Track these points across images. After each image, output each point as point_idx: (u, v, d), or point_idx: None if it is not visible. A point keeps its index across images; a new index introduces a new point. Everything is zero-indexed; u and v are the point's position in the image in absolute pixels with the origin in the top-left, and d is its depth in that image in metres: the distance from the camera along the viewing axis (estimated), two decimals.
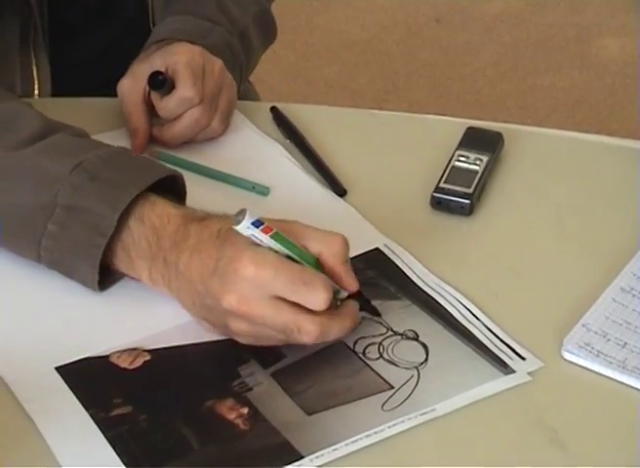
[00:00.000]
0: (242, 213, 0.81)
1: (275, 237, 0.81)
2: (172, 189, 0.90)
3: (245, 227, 0.80)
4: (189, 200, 0.92)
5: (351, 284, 0.84)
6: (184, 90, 1.00)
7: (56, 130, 0.91)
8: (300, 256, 0.82)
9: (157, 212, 0.86)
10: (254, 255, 0.80)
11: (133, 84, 1.03)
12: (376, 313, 0.87)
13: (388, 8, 2.45)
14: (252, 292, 0.80)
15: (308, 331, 0.80)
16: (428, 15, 2.43)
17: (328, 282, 0.81)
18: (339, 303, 0.84)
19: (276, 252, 0.81)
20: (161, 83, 1.00)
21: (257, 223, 0.81)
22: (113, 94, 1.04)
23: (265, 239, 0.81)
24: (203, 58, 1.02)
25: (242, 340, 0.83)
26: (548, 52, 2.33)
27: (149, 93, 1.02)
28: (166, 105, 1.01)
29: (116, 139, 1.00)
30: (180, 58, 1.01)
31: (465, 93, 2.25)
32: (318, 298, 0.79)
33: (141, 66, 1.03)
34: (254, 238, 0.81)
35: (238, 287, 0.80)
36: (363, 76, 2.29)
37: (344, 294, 0.84)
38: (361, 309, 0.85)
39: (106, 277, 0.88)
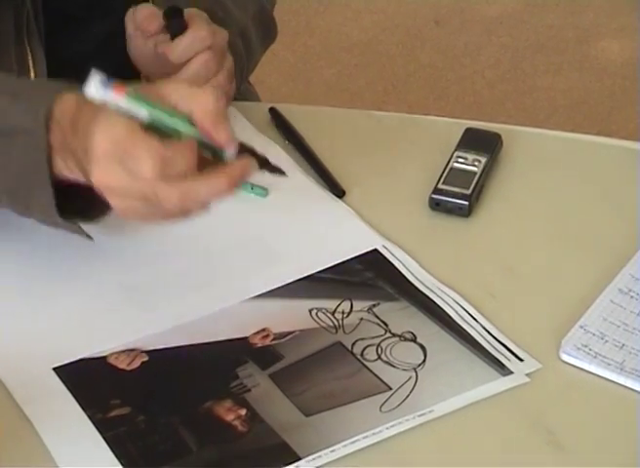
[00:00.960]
0: (92, 74, 0.78)
1: (132, 97, 0.78)
2: None
3: (94, 89, 0.78)
4: None
5: (222, 138, 0.80)
6: (198, 29, 0.98)
7: None
8: (168, 114, 0.79)
9: (62, 104, 0.83)
10: (102, 123, 0.79)
11: (139, 38, 1.01)
12: (276, 170, 0.85)
13: (388, 10, 2.45)
14: (104, 162, 0.79)
15: (167, 197, 0.78)
16: (428, 16, 2.43)
17: (155, 148, 0.78)
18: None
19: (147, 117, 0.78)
20: (177, 12, 0.97)
21: (105, 83, 0.77)
22: None
23: (122, 101, 0.78)
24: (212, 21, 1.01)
25: (125, 217, 0.83)
26: (548, 53, 2.33)
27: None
28: (177, 45, 0.98)
29: None
30: (191, 10, 1.00)
31: (465, 94, 2.25)
32: (143, 167, 0.78)
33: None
34: (111, 105, 0.78)
35: (96, 159, 0.79)
36: (362, 78, 2.29)
37: (230, 154, 0.80)
38: (261, 167, 0.82)
39: (66, 207, 0.85)
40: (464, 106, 2.21)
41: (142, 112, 0.78)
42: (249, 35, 1.12)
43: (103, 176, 0.79)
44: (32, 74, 1.10)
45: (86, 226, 0.89)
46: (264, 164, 0.83)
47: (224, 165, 0.80)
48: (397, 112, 1.14)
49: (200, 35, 0.99)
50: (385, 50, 2.35)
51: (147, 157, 0.78)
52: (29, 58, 1.09)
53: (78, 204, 0.86)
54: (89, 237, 0.87)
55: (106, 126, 0.79)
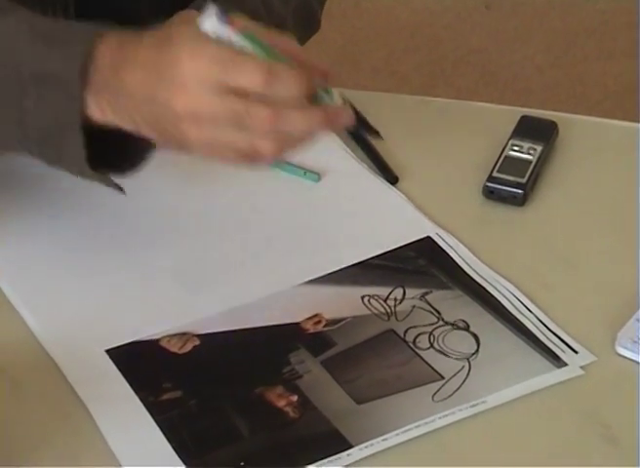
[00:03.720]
0: (209, 7, 0.76)
1: (248, 34, 0.77)
2: None
3: (211, 22, 0.76)
4: (238, 185, 0.92)
5: (323, 65, 0.78)
6: None
7: (10, 9, 0.86)
8: (274, 57, 0.77)
9: (98, 45, 0.81)
10: (190, 47, 0.76)
11: None
12: (373, 131, 0.82)
13: None
14: (196, 85, 0.76)
15: (258, 114, 0.75)
16: (478, 0, 2.41)
17: (262, 63, 0.75)
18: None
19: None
20: None
21: (223, 17, 0.76)
22: None
23: (237, 37, 0.77)
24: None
25: (200, 151, 0.79)
26: (599, 39, 2.30)
27: None
28: None
29: None
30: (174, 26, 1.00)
31: (514, 80, 2.23)
32: (249, 77, 0.75)
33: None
34: (221, 36, 0.77)
35: (183, 84, 0.77)
36: (411, 61, 2.28)
37: (337, 100, 0.77)
38: (358, 130, 0.81)
39: (98, 158, 0.83)
40: (514, 92, 2.19)
41: (257, 51, 0.77)
42: (286, 29, 1.11)
43: (191, 100, 0.76)
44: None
45: (141, 211, 0.88)
46: (363, 121, 0.81)
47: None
48: (445, 97, 1.13)
49: None
50: (434, 33, 2.34)
51: (257, 68, 0.75)
52: None
53: (110, 158, 0.84)
54: (120, 189, 0.84)
55: (197, 46, 0.76)
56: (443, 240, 0.92)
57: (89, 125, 0.82)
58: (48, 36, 0.83)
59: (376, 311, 0.87)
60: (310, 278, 0.89)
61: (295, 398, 0.80)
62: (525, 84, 2.22)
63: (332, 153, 1.01)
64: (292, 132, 0.77)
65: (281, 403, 0.80)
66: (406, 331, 0.85)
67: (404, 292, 0.88)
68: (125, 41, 0.81)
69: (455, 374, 0.81)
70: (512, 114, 1.02)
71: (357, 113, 0.80)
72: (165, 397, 0.80)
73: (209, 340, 0.84)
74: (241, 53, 0.77)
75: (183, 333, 0.85)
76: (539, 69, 2.25)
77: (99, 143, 0.83)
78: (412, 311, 0.86)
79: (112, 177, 0.84)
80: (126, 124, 0.82)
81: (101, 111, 0.82)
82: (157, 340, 0.84)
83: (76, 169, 0.83)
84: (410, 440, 0.77)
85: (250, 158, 0.78)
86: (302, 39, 1.17)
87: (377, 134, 0.84)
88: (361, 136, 1.02)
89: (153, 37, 0.80)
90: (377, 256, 0.91)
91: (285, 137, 0.77)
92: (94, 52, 0.81)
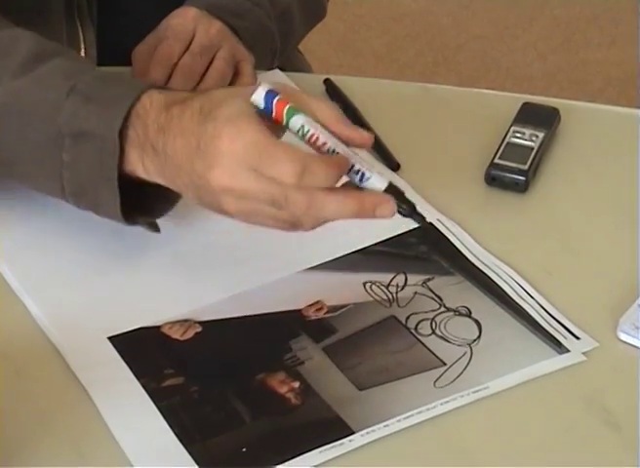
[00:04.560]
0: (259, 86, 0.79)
1: (290, 113, 0.78)
2: None
3: (259, 98, 0.78)
4: None
5: (362, 135, 0.80)
6: (166, 43, 1.00)
7: (52, 55, 0.88)
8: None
9: (142, 101, 0.83)
10: (230, 129, 0.78)
11: (143, 50, 1.02)
12: (423, 220, 0.81)
13: None
14: (233, 166, 0.77)
15: (295, 202, 0.77)
16: None
17: (297, 154, 0.76)
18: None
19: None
20: None
21: (271, 95, 0.78)
22: None
23: (282, 116, 0.78)
24: (195, 21, 1.01)
25: (238, 219, 0.81)
26: (601, 25, 2.30)
27: None
28: (155, 64, 1.00)
29: None
30: (169, 21, 1.02)
31: (516, 66, 2.22)
32: (282, 169, 0.76)
33: (152, 33, 1.03)
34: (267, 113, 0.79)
35: (220, 162, 0.78)
36: (412, 48, 2.28)
37: (375, 185, 0.79)
38: (406, 215, 0.80)
39: (133, 210, 0.85)
40: (515, 79, 2.19)
41: (296, 127, 0.78)
42: (291, 16, 1.10)
43: (228, 178, 0.78)
44: (83, 53, 1.10)
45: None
46: (413, 211, 0.81)
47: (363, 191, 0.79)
48: (447, 84, 1.13)
49: (161, 52, 1.00)
50: (436, 20, 2.33)
51: (289, 160, 0.76)
52: (80, 36, 1.09)
53: (143, 199, 0.85)
54: (156, 229, 0.87)
55: (237, 130, 0.78)
56: (445, 226, 0.92)
57: (123, 177, 0.84)
58: (88, 95, 0.84)
59: (377, 298, 0.87)
60: (312, 265, 0.89)
61: (296, 384, 0.80)
62: (527, 71, 2.21)
63: None
64: (323, 216, 0.79)
65: (283, 389, 0.80)
66: (408, 318, 0.85)
67: (406, 279, 0.88)
68: (171, 102, 0.82)
69: (456, 361, 0.82)
70: (514, 101, 1.02)
71: (404, 199, 0.80)
72: (167, 383, 0.81)
73: (210, 327, 0.84)
74: (278, 143, 0.78)
75: (185, 320, 0.85)
76: (540, 56, 2.24)
77: (130, 191, 0.85)
78: (413, 297, 0.86)
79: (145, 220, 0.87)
80: (168, 185, 0.83)
81: (145, 170, 0.83)
82: (159, 327, 0.84)
83: (110, 217, 0.86)
84: (411, 426, 0.77)
85: (289, 227, 0.80)
86: (309, 26, 1.16)
87: (427, 222, 0.82)
88: (362, 121, 1.02)
89: (199, 103, 0.81)
90: (378, 243, 0.91)
91: (316, 220, 0.79)
92: (137, 110, 0.83)
